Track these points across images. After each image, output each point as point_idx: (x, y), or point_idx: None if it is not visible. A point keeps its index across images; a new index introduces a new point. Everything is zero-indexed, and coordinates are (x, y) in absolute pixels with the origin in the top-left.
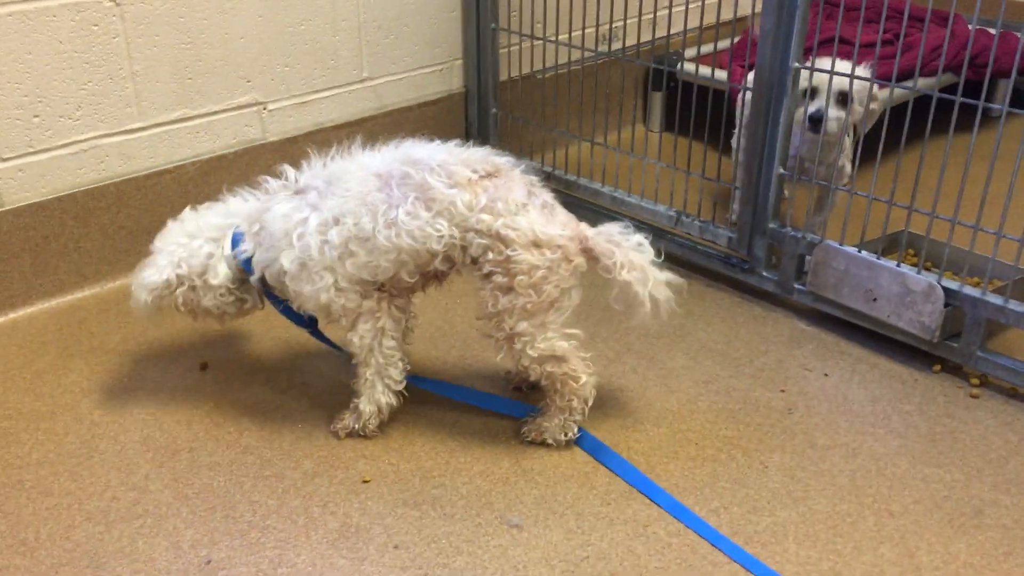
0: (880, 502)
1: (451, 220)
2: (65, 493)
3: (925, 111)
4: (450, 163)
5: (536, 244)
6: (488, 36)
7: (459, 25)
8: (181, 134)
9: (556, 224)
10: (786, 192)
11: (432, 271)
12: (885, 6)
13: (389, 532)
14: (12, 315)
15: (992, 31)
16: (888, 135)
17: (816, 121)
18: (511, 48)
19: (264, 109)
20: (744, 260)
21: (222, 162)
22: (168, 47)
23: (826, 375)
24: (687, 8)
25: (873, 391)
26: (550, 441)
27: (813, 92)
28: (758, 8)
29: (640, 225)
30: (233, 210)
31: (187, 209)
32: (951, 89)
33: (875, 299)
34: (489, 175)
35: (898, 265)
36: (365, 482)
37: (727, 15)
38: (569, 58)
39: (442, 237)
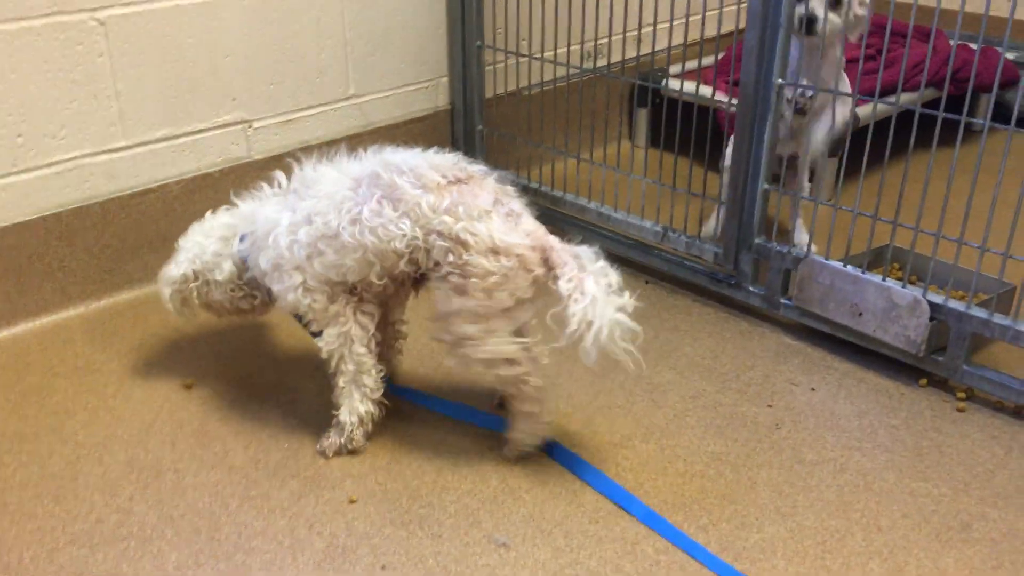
0: (868, 517)
1: (415, 221)
2: (49, 515)
3: (908, 126)
4: (421, 167)
5: (494, 251)
6: (473, 53)
7: (444, 43)
8: (166, 153)
9: (518, 233)
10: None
11: (400, 274)
12: (867, 22)
13: (376, 552)
14: None
15: (973, 46)
16: (872, 150)
17: (811, 21)
18: (496, 65)
19: (249, 127)
20: (730, 275)
21: (207, 180)
22: (153, 66)
23: (813, 390)
24: (671, 25)
25: (860, 405)
26: (526, 449)
27: None
28: (742, 25)
29: (627, 241)
30: (243, 212)
31: (208, 212)
32: (933, 104)
33: (861, 313)
34: (459, 180)
35: (883, 279)
36: (352, 502)
37: (711, 32)
38: (555, 75)
39: (405, 236)
